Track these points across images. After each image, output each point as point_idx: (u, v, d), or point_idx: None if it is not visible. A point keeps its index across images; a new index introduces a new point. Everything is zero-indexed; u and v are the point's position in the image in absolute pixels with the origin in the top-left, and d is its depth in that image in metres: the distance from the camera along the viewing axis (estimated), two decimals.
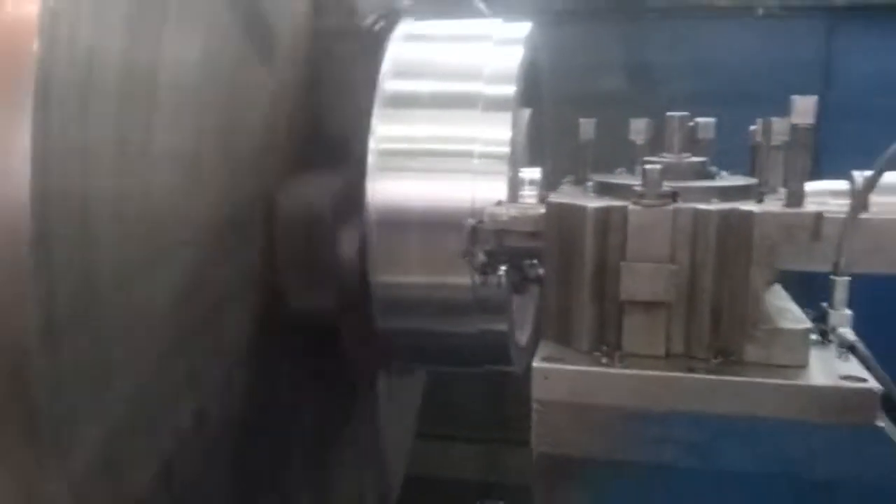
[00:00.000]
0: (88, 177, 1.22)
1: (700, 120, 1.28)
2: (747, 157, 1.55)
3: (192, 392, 1.52)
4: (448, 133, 1.80)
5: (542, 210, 1.34)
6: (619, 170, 1.51)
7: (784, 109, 1.51)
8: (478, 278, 1.56)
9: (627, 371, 1.04)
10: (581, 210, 1.08)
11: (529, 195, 1.73)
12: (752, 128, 1.35)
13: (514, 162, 1.75)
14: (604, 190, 1.17)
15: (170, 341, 1.44)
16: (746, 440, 1.01)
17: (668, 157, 1.18)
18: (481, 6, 2.35)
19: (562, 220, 1.10)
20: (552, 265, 1.12)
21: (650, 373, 1.04)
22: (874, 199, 1.63)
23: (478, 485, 3.60)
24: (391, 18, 1.96)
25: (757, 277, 1.03)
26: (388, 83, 1.82)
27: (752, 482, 1.02)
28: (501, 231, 1.39)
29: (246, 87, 1.67)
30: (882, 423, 0.99)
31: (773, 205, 1.06)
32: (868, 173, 1.62)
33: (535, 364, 1.08)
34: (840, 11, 3.83)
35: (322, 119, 1.84)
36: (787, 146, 1.10)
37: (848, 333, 1.19)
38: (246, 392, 1.72)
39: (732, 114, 1.70)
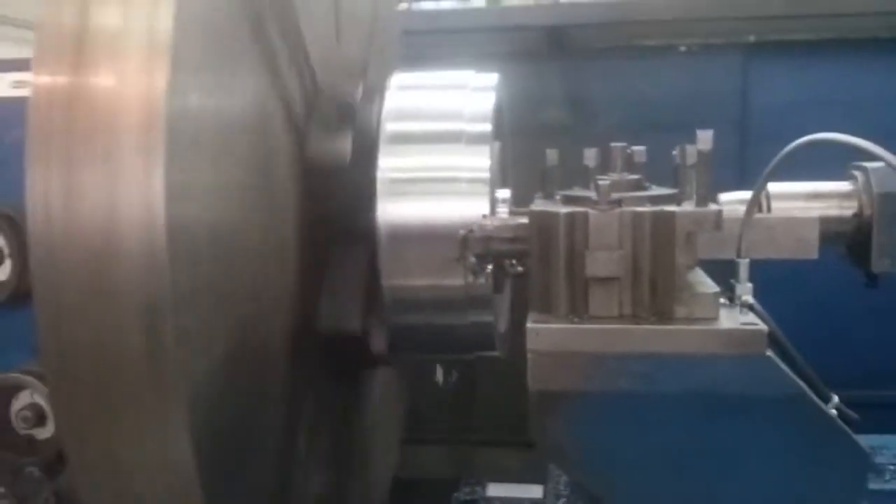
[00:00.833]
0: (196, 207, 1.65)
1: (635, 148, 1.74)
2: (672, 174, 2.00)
3: (260, 362, 1.97)
4: (439, 163, 2.25)
5: (520, 220, 1.78)
6: (575, 187, 1.96)
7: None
8: (470, 277, 2.00)
9: (593, 326, 1.49)
10: (555, 215, 1.53)
11: (502, 210, 2.18)
12: (674, 152, 1.81)
13: (493, 184, 2.20)
14: (569, 201, 1.61)
15: (245, 321, 1.88)
16: (676, 370, 1.46)
17: (614, 176, 1.63)
18: None
19: (541, 223, 1.55)
20: (535, 255, 1.56)
21: (609, 326, 1.48)
22: (776, 204, 2.13)
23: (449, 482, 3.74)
24: (386, 73, 2.42)
25: (679, 258, 1.49)
26: (389, 125, 2.26)
27: (680, 400, 1.47)
28: (488, 238, 1.83)
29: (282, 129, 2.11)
30: (770, 353, 1.45)
31: (688, 207, 1.52)
32: (773, 187, 2.11)
33: (529, 325, 1.52)
34: (753, 47, 4.35)
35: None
36: (697, 165, 1.56)
37: (748, 298, 1.65)
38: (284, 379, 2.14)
39: (661, 139, 2.15)
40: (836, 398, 1.58)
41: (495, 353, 2.39)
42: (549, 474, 2.96)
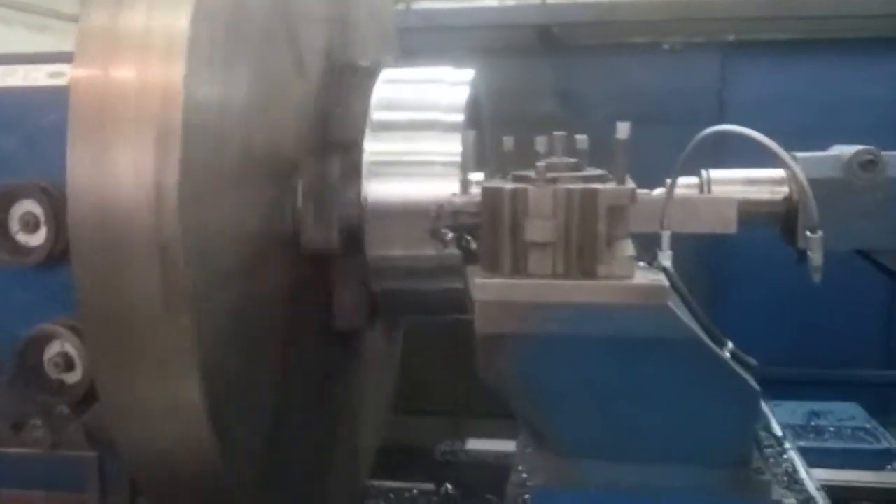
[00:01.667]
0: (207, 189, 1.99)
1: (577, 136, 2.04)
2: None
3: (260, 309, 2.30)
4: (417, 148, 2.57)
5: None
6: None
7: (685, 128, 2.20)
8: (441, 248, 2.32)
9: (530, 281, 1.80)
10: (501, 190, 1.84)
11: (476, 191, 2.49)
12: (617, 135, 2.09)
13: (464, 167, 2.52)
14: (516, 179, 1.93)
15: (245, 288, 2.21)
16: (595, 317, 1.77)
17: (555, 159, 1.94)
18: None
19: (491, 197, 1.86)
20: (485, 223, 1.87)
21: (543, 281, 1.80)
22: (717, 188, 2.42)
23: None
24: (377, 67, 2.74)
25: (601, 227, 1.80)
26: (375, 114, 2.59)
27: (599, 342, 1.79)
28: (456, 212, 2.15)
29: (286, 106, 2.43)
30: (669, 304, 1.76)
31: (609, 185, 1.84)
32: (711, 171, 2.42)
33: (477, 280, 1.84)
34: (731, 46, 4.66)
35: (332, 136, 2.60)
36: (618, 151, 1.87)
37: (666, 262, 1.96)
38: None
39: (645, 131, 2.45)
40: (730, 344, 1.89)
41: (468, 317, 2.72)
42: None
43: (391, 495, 3.30)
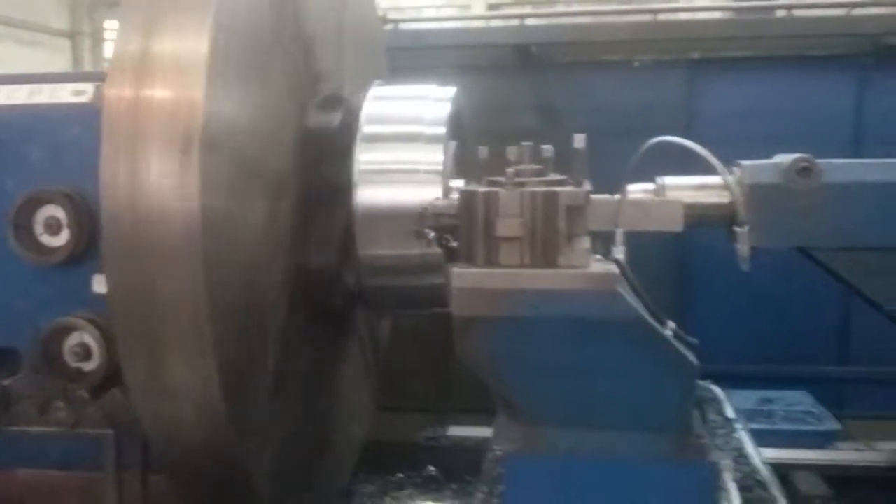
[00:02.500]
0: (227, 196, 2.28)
1: (543, 146, 2.34)
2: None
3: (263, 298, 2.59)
4: (403, 158, 2.86)
5: None
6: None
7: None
8: (425, 246, 2.61)
9: (501, 270, 2.10)
10: (476, 193, 2.14)
11: (456, 196, 2.78)
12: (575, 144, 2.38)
13: (446, 175, 2.82)
14: (489, 183, 2.22)
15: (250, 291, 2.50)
16: (556, 301, 2.06)
17: (523, 166, 2.24)
18: None
19: (467, 199, 2.16)
20: (462, 221, 2.17)
21: (511, 270, 2.09)
22: (671, 193, 2.71)
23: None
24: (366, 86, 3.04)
25: (561, 224, 2.10)
26: (366, 127, 2.88)
27: (560, 323, 2.08)
28: (438, 215, 2.44)
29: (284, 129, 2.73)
30: (619, 290, 2.06)
31: (568, 188, 2.13)
32: (665, 178, 2.71)
33: (455, 270, 2.13)
34: (698, 63, 4.97)
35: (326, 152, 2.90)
36: (576, 159, 2.17)
37: (618, 255, 2.25)
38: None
39: (617, 143, 2.73)
40: (672, 324, 2.18)
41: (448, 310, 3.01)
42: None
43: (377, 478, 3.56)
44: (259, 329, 2.59)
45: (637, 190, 2.60)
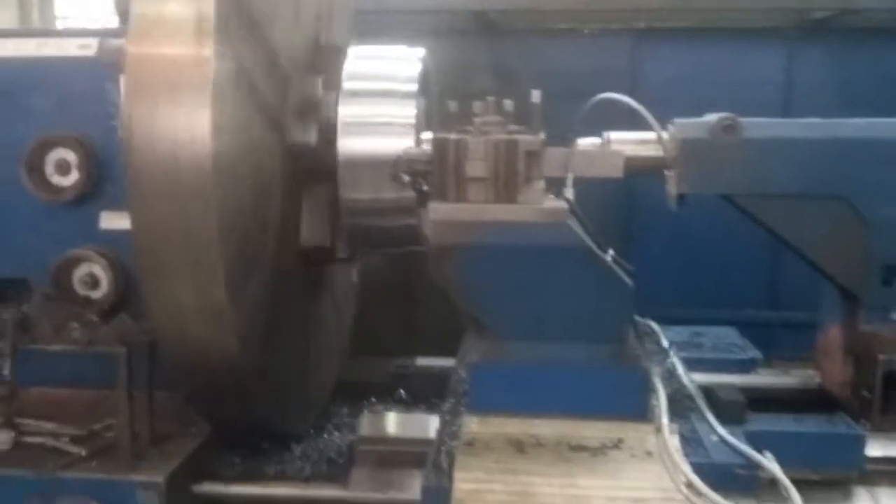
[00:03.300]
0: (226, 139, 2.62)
1: (505, 101, 2.71)
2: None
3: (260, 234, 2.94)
4: (380, 112, 3.22)
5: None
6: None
7: (600, 105, 2.86)
8: (400, 190, 2.97)
9: (470, 205, 2.48)
10: (448, 140, 2.51)
11: (427, 145, 3.14)
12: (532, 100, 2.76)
13: (418, 127, 3.18)
14: (459, 132, 2.60)
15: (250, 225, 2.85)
16: (516, 230, 2.45)
17: (488, 118, 2.62)
18: None
19: (440, 145, 2.53)
20: (436, 165, 2.54)
21: (478, 205, 2.48)
22: (616, 147, 3.10)
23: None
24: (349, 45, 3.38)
25: (520, 167, 2.48)
26: (347, 83, 3.23)
27: (517, 250, 2.46)
28: (411, 161, 2.81)
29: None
30: (569, 222, 2.46)
31: (526, 137, 2.52)
32: (611, 133, 3.10)
33: (431, 205, 2.50)
34: (642, 32, 5.35)
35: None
36: (532, 113, 2.55)
37: (568, 194, 2.65)
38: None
39: (567, 105, 3.10)
40: (612, 251, 2.60)
41: (421, 248, 3.38)
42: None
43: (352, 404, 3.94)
44: (256, 264, 2.95)
45: (586, 143, 3.00)
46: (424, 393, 3.79)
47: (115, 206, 3.08)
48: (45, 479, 2.96)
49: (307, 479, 3.31)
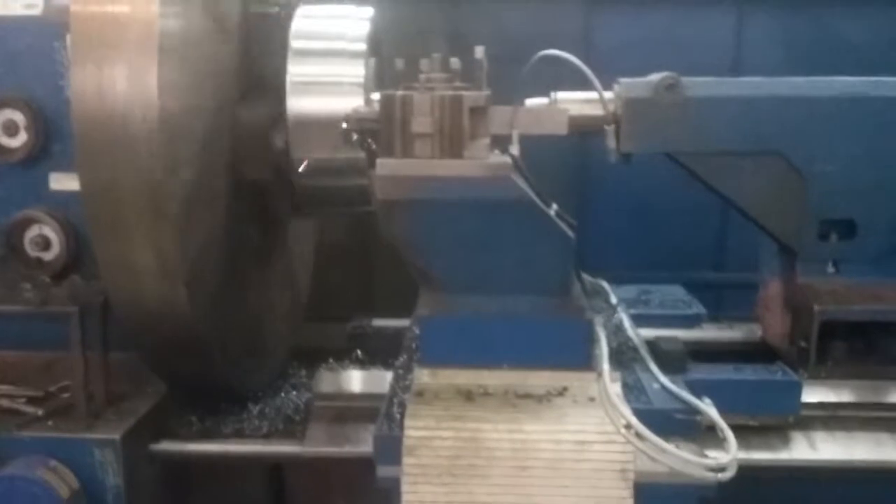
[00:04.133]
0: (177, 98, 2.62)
1: (451, 59, 2.75)
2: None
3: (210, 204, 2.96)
4: (329, 71, 3.24)
5: None
6: None
7: (553, 67, 2.92)
8: (349, 149, 3.00)
9: (417, 160, 2.52)
10: (394, 96, 2.55)
11: (376, 105, 3.17)
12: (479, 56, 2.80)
13: (367, 87, 3.21)
14: (405, 89, 2.63)
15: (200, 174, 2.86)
16: (461, 185, 2.50)
17: (434, 75, 2.65)
18: None
19: (387, 101, 2.56)
20: (382, 121, 2.57)
21: (424, 161, 2.52)
22: (562, 105, 3.16)
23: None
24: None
25: (465, 123, 2.53)
26: (295, 42, 3.24)
27: (465, 204, 2.52)
28: (361, 120, 2.84)
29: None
30: (513, 176, 2.51)
31: (472, 93, 2.56)
32: (558, 93, 3.15)
33: (378, 161, 2.54)
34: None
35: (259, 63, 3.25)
36: (477, 69, 2.59)
37: (514, 150, 2.70)
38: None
39: (520, 70, 3.15)
40: (555, 206, 2.67)
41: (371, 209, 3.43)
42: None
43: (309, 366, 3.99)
44: (209, 221, 2.98)
45: (533, 102, 3.05)
46: (381, 353, 3.85)
47: (65, 167, 3.08)
48: (2, 439, 2.99)
49: (265, 437, 3.37)
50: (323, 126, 3.17)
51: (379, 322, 4.13)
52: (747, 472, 2.57)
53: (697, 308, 3.85)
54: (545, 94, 3.14)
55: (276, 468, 3.52)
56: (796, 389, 3.02)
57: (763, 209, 3.25)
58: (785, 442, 3.11)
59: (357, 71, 3.20)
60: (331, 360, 3.97)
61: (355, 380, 3.61)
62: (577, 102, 3.15)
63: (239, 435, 3.36)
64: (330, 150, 3.20)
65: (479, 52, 2.56)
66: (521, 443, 2.48)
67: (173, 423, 3.36)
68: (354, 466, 3.17)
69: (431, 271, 2.71)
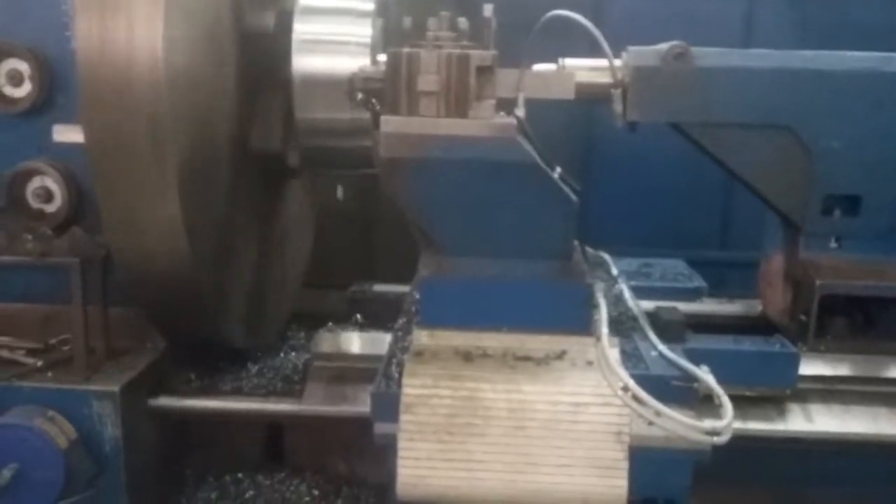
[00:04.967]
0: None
1: (459, 18, 2.73)
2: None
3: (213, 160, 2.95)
4: (336, 30, 3.22)
5: None
6: None
7: (560, 40, 2.88)
8: (354, 108, 2.99)
9: (422, 119, 2.50)
10: (401, 53, 2.53)
11: (382, 64, 3.15)
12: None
13: (374, 47, 3.19)
14: (412, 47, 2.62)
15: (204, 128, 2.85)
16: (465, 145, 2.49)
17: (441, 33, 2.63)
18: None
19: (393, 59, 2.55)
20: (388, 80, 2.56)
21: (429, 119, 2.51)
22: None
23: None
24: None
25: (472, 82, 2.51)
26: (302, 0, 3.22)
27: (470, 164, 2.51)
28: (366, 79, 2.82)
29: None
30: (519, 138, 2.50)
31: (479, 51, 2.54)
32: (566, 59, 3.13)
33: (383, 118, 2.53)
34: None
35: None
36: (486, 28, 2.57)
37: (519, 112, 2.69)
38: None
39: (526, 36, 3.11)
40: (559, 169, 2.66)
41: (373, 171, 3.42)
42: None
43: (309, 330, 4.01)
44: (211, 178, 2.98)
45: (541, 66, 3.03)
46: (381, 318, 3.85)
47: (69, 118, 3.06)
48: (0, 388, 3.00)
49: (263, 395, 3.38)
50: (328, 85, 3.15)
51: (379, 287, 4.13)
52: (743, 444, 2.58)
53: (698, 281, 3.84)
54: (552, 63, 3.12)
55: (274, 427, 3.54)
56: (794, 361, 3.02)
57: (768, 182, 3.23)
58: (781, 413, 3.12)
59: (364, 31, 3.19)
60: (330, 324, 3.99)
61: (354, 341, 3.62)
62: (585, 69, 3.13)
63: (238, 393, 3.38)
64: (335, 110, 3.18)
65: (488, 10, 2.54)
66: (519, 403, 2.49)
67: (172, 380, 3.38)
68: (352, 426, 3.19)
69: (433, 232, 2.70)
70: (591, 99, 3.10)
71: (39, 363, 3.12)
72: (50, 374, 3.11)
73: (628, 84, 3.06)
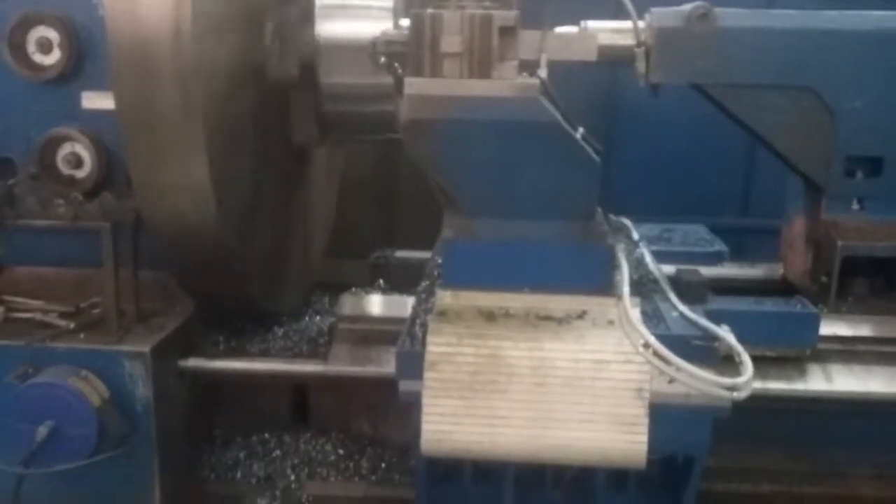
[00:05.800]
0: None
1: None
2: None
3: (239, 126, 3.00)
4: None
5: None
6: None
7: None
8: (377, 72, 3.01)
9: (445, 80, 2.53)
10: (424, 14, 2.55)
11: (405, 28, 3.17)
12: None
13: (395, 13, 3.22)
14: (435, 8, 2.64)
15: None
16: (489, 105, 2.51)
17: None
18: None
19: (417, 20, 2.57)
20: (412, 41, 2.58)
21: (453, 80, 2.53)
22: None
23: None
24: None
25: (494, 42, 2.53)
26: None
27: (493, 124, 2.54)
28: (389, 42, 2.85)
29: None
30: (540, 97, 2.52)
31: (502, 11, 2.56)
32: (588, 21, 3.14)
33: (407, 79, 2.56)
34: None
35: None
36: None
37: (542, 73, 2.70)
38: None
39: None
40: (581, 129, 2.68)
41: (397, 136, 3.45)
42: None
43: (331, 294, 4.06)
44: (238, 142, 3.02)
45: (564, 29, 3.04)
46: (403, 283, 3.91)
47: (98, 85, 3.11)
48: (35, 349, 3.08)
49: (290, 357, 3.45)
50: (351, 50, 3.18)
51: (401, 253, 4.18)
52: (762, 404, 2.60)
53: (719, 246, 3.85)
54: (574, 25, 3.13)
55: (299, 389, 3.61)
56: (815, 322, 3.03)
57: (790, 144, 3.22)
58: (801, 373, 3.14)
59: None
60: (354, 288, 4.04)
61: (378, 304, 3.67)
62: (607, 31, 3.13)
63: (264, 354, 3.45)
64: (358, 75, 3.21)
65: None
66: (541, 360, 2.53)
67: (201, 342, 3.45)
68: (376, 387, 3.25)
69: (456, 193, 2.74)
70: (613, 61, 3.11)
71: (72, 325, 3.20)
72: (82, 335, 3.18)
73: (651, 45, 3.05)
